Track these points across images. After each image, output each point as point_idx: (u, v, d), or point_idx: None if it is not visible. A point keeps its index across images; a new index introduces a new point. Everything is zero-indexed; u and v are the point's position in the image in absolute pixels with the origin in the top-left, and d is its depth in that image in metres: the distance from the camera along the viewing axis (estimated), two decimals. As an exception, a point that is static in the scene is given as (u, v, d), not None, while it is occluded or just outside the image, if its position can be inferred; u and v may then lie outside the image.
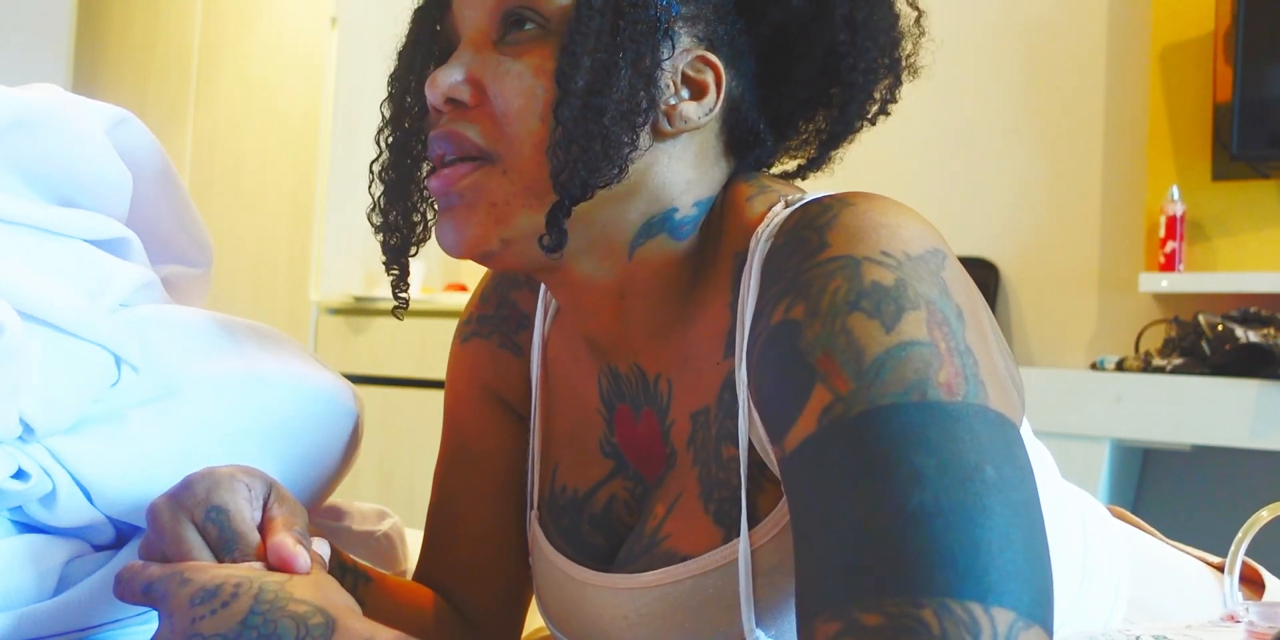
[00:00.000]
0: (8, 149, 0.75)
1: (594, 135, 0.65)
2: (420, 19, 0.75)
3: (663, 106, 0.68)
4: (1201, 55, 2.58)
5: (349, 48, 3.44)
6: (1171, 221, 2.52)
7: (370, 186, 0.77)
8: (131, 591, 0.60)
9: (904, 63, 0.76)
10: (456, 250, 0.69)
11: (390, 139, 0.76)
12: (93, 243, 0.79)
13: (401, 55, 0.76)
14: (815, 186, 0.76)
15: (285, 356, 0.85)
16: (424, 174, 0.76)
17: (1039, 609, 0.51)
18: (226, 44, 3.67)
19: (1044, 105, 2.83)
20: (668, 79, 0.68)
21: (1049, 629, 0.51)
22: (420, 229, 0.77)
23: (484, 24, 0.69)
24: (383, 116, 0.77)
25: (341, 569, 0.79)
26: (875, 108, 0.77)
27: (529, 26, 0.68)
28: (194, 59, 3.73)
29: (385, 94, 0.77)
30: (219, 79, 3.67)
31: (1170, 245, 2.51)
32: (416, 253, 0.77)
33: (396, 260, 0.76)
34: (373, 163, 0.77)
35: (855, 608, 0.50)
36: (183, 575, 0.59)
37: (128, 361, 0.74)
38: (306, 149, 3.44)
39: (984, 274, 2.82)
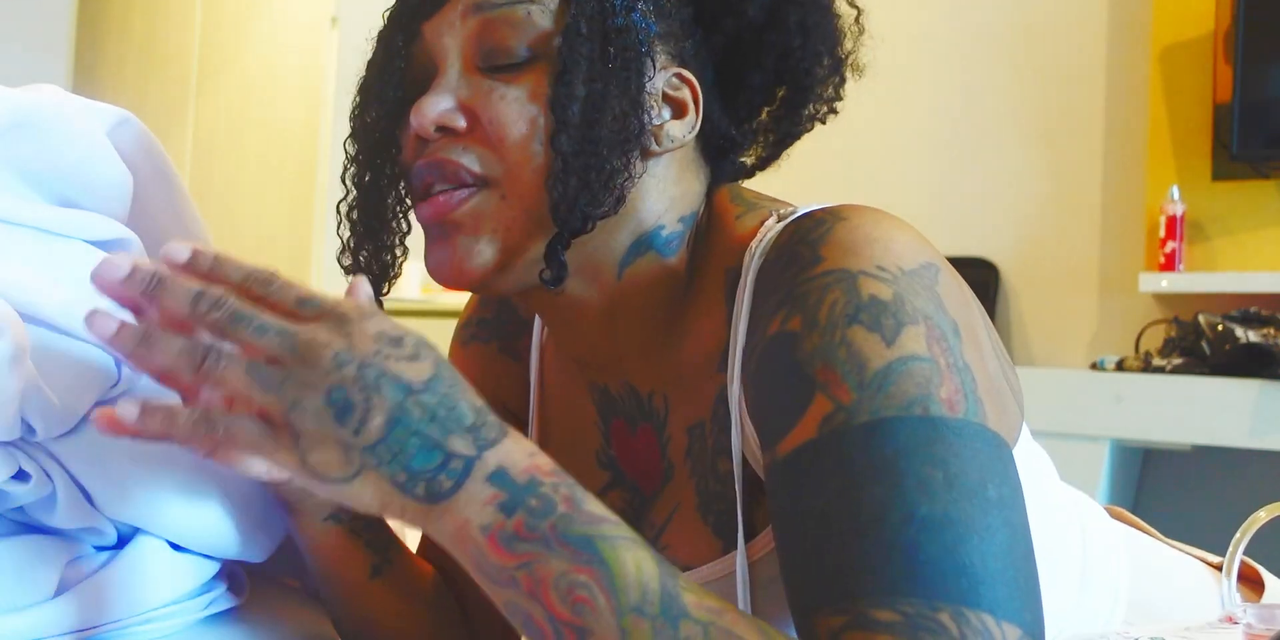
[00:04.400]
0: (8, 149, 0.75)
1: (592, 167, 0.65)
2: (384, 51, 0.73)
3: (649, 128, 0.68)
4: (1201, 55, 2.57)
5: (349, 48, 3.43)
6: (1171, 221, 2.51)
7: (338, 228, 0.75)
8: (286, 298, 0.53)
9: (846, 61, 0.77)
10: (453, 279, 0.68)
11: (357, 177, 0.74)
12: (93, 243, 0.78)
13: (364, 89, 0.74)
14: (816, 187, 0.76)
15: (285, 357, 0.84)
16: (396, 210, 0.74)
17: (1039, 629, 0.52)
18: (226, 44, 3.67)
19: (1044, 105, 2.83)
20: (652, 100, 0.68)
21: None
22: (394, 267, 0.75)
23: (466, 50, 0.68)
24: (347, 154, 0.74)
25: (380, 528, 0.77)
26: (824, 108, 0.78)
27: (517, 53, 0.67)
28: (194, 59, 3.73)
29: (348, 131, 0.75)
30: (219, 79, 3.68)
31: (1170, 245, 2.51)
32: (388, 292, 0.75)
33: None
34: (339, 203, 0.75)
35: (865, 604, 0.51)
36: (361, 309, 0.53)
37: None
38: (306, 149, 3.44)
39: (984, 274, 2.82)
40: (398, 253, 0.75)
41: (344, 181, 0.75)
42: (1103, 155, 2.77)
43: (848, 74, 0.77)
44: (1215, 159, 2.54)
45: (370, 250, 0.74)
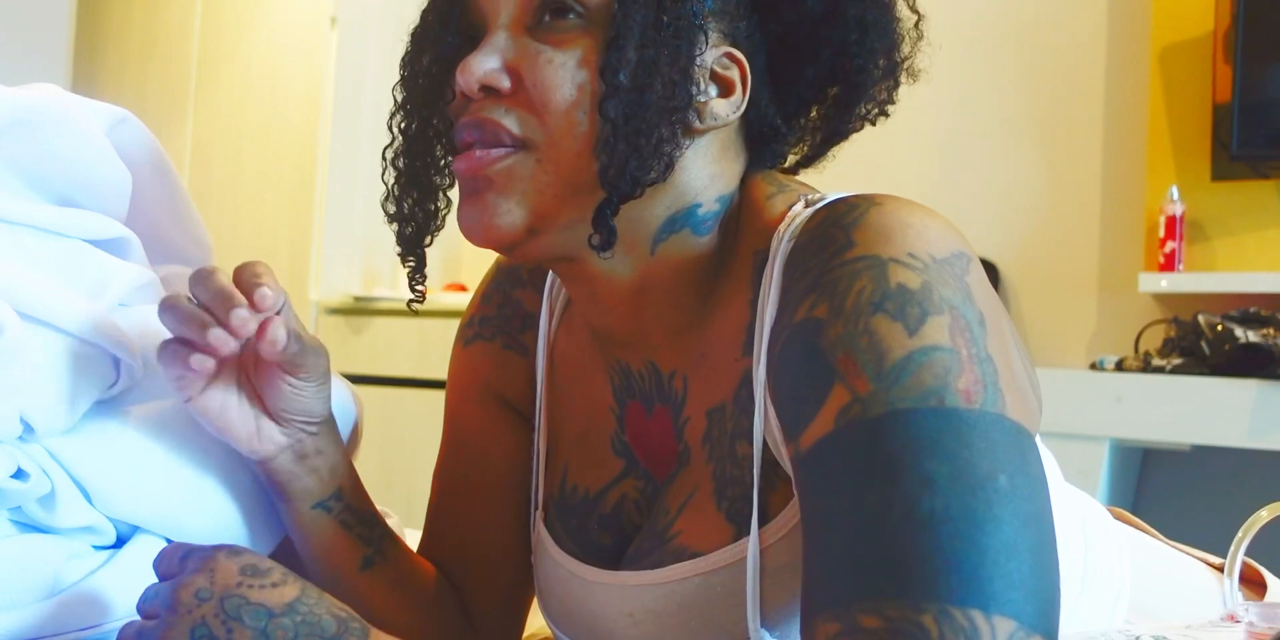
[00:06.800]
0: (8, 149, 0.75)
1: (641, 132, 0.64)
2: (439, 1, 0.73)
3: (694, 103, 0.68)
4: (1201, 55, 2.57)
5: (349, 48, 3.44)
6: (1171, 221, 2.51)
7: (383, 174, 0.75)
8: (170, 561, 0.60)
9: (903, 65, 0.77)
10: (482, 237, 0.68)
11: (403, 124, 0.74)
12: (92, 243, 0.78)
13: (416, 37, 0.74)
14: (817, 186, 0.76)
15: (285, 356, 0.84)
16: (441, 160, 0.74)
17: (1043, 620, 0.51)
18: (226, 44, 3.66)
19: (1044, 105, 2.83)
20: (700, 75, 0.68)
21: None
22: (437, 218, 0.75)
23: (518, 10, 0.68)
24: (395, 101, 0.75)
25: (373, 524, 0.80)
26: (875, 109, 0.78)
27: (570, 16, 0.67)
28: (194, 59, 3.73)
29: (398, 76, 0.75)
30: (219, 79, 3.67)
31: (1170, 245, 2.51)
32: (432, 242, 0.75)
33: (412, 251, 0.75)
34: (385, 149, 0.75)
35: (856, 609, 0.51)
36: (232, 549, 0.60)
37: (127, 362, 0.74)
38: (306, 149, 3.44)
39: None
40: (440, 204, 0.75)
41: (390, 128, 0.75)
42: (1102, 155, 2.77)
43: (903, 78, 0.77)
44: (1215, 159, 2.54)
45: (414, 199, 0.74)
